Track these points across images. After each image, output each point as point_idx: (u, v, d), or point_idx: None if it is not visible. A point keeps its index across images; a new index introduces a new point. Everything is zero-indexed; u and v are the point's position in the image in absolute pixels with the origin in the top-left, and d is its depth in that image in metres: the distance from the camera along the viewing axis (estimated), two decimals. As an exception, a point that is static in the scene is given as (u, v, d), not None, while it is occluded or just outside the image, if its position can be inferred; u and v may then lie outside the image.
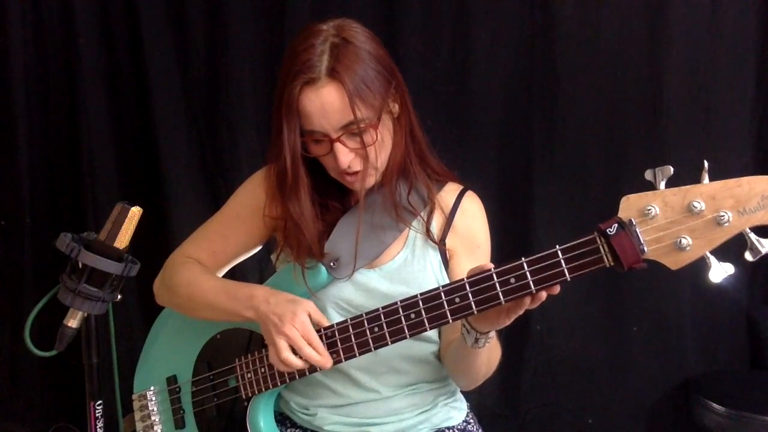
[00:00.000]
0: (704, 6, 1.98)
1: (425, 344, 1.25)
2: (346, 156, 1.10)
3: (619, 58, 2.04)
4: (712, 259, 0.85)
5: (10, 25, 2.24)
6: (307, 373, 1.12)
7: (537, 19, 2.07)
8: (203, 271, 1.28)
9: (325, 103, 1.06)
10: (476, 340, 1.05)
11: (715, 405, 1.88)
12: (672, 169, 0.86)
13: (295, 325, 1.06)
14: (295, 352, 1.07)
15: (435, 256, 1.22)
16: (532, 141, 2.11)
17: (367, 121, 1.08)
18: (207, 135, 2.27)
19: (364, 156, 1.11)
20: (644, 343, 2.12)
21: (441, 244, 1.22)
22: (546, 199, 2.09)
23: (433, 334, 1.25)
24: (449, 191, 1.26)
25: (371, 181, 1.17)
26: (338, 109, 1.07)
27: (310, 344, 1.06)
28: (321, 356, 1.06)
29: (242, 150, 2.22)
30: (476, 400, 2.10)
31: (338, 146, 1.09)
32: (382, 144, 1.13)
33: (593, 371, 2.15)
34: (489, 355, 1.13)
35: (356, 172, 1.13)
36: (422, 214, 1.22)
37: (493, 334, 1.06)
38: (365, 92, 1.07)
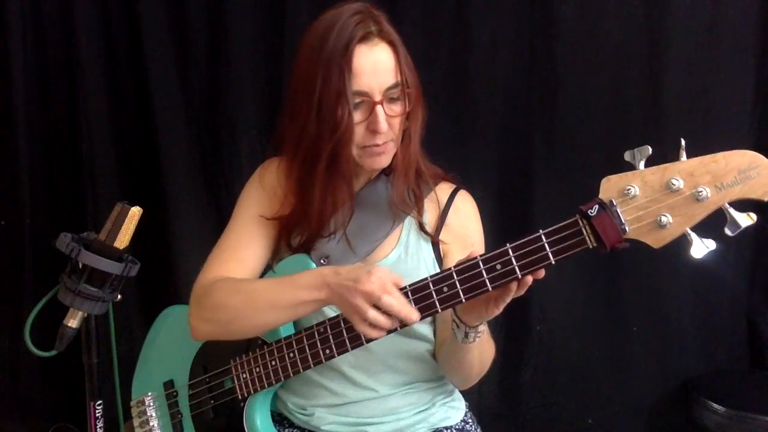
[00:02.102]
0: (704, 6, 1.98)
1: (421, 342, 1.25)
2: (385, 120, 1.11)
3: (619, 58, 2.04)
4: (693, 236, 0.86)
5: (10, 25, 2.23)
6: (372, 338, 1.03)
7: (537, 19, 2.06)
8: (241, 279, 1.22)
9: (377, 61, 1.09)
10: (466, 335, 1.06)
11: (715, 405, 1.88)
12: (650, 149, 0.88)
13: (372, 280, 0.98)
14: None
15: (429, 252, 1.23)
16: (532, 140, 2.11)
17: (409, 86, 1.13)
18: (207, 135, 2.27)
19: (400, 124, 1.14)
20: (644, 343, 2.12)
21: (435, 237, 1.23)
22: (546, 198, 2.09)
23: (428, 332, 1.25)
24: (442, 190, 1.27)
25: (391, 155, 1.18)
26: (388, 68, 1.10)
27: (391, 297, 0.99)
28: (404, 308, 0.99)
29: (242, 150, 2.22)
30: (476, 399, 2.10)
31: (379, 108, 1.10)
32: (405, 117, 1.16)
33: (593, 371, 2.15)
34: (481, 351, 1.13)
35: (384, 144, 1.14)
36: (415, 211, 1.23)
37: (482, 328, 1.07)
38: (406, 58, 1.13)
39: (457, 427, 1.31)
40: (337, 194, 1.16)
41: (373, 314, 0.98)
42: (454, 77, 2.12)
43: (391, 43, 1.11)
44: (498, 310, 0.99)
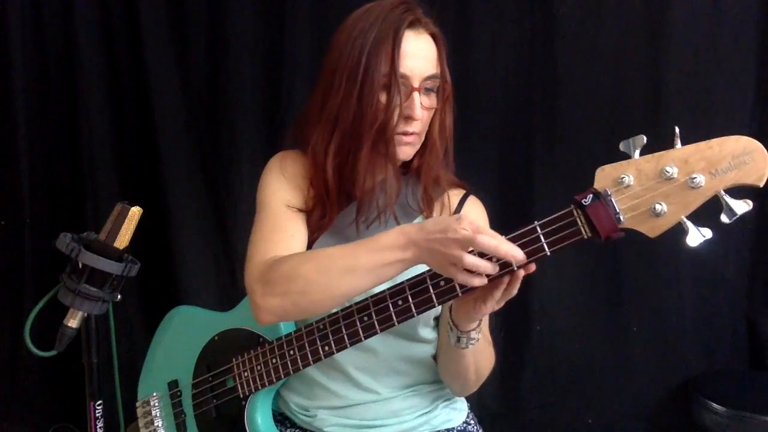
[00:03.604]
0: (705, 6, 1.98)
1: (424, 345, 1.25)
2: (420, 107, 1.12)
3: (619, 58, 2.04)
4: (689, 224, 0.85)
5: (10, 25, 2.23)
6: (474, 286, 0.93)
7: (537, 19, 2.07)
8: (308, 250, 1.16)
9: (422, 48, 1.12)
10: (458, 339, 1.06)
11: (715, 405, 1.88)
12: (645, 138, 0.87)
13: (464, 226, 0.89)
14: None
15: None
16: (532, 141, 2.11)
17: (446, 81, 1.15)
18: (207, 135, 2.27)
19: (429, 119, 1.15)
20: (644, 343, 2.12)
21: None
22: (546, 199, 2.09)
23: (431, 335, 1.25)
24: (453, 194, 1.27)
25: (416, 148, 1.18)
26: (430, 57, 1.13)
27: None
28: (503, 244, 0.88)
29: (242, 150, 2.22)
30: (476, 400, 2.09)
31: (416, 95, 1.11)
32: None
33: (593, 371, 2.15)
34: (475, 359, 1.13)
35: (413, 134, 1.14)
36: (426, 212, 1.23)
37: (475, 335, 1.06)
38: (445, 57, 1.16)
39: (459, 428, 1.31)
40: (380, 174, 1.15)
41: (470, 259, 0.89)
42: (454, 77, 2.11)
43: (434, 36, 1.15)
44: (486, 308, 0.97)
